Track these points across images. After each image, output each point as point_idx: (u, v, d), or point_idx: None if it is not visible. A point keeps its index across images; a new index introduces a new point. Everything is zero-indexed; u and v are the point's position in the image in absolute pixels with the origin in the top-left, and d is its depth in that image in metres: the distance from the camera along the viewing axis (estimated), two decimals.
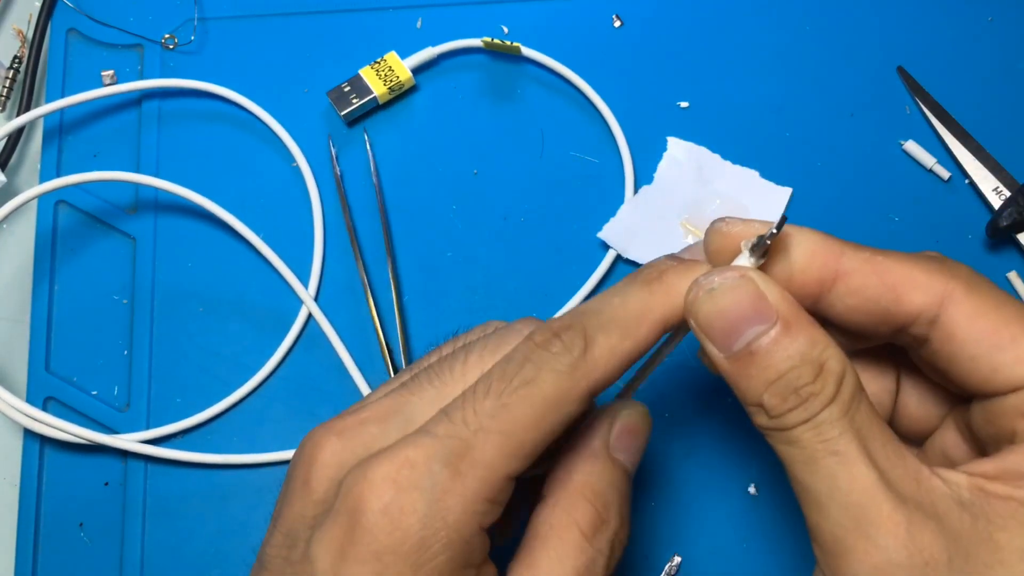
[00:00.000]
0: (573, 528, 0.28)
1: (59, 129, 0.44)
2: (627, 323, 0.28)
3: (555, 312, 0.41)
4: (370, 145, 0.43)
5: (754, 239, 0.28)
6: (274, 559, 0.28)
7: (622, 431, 0.30)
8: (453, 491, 0.26)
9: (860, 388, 0.27)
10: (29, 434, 0.40)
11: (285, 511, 0.28)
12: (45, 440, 0.40)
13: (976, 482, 0.26)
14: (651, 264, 0.30)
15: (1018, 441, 0.27)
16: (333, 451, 0.28)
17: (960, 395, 0.30)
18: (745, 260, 0.28)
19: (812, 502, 0.27)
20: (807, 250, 0.28)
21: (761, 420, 0.27)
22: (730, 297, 0.27)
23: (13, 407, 0.40)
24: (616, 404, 0.30)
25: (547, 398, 0.27)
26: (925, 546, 0.25)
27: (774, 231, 0.27)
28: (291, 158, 0.43)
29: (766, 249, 0.27)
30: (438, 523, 0.26)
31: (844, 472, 0.26)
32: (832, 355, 0.26)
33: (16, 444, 0.41)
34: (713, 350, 0.27)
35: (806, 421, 0.26)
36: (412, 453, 0.26)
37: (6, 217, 0.40)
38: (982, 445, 0.29)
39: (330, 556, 0.26)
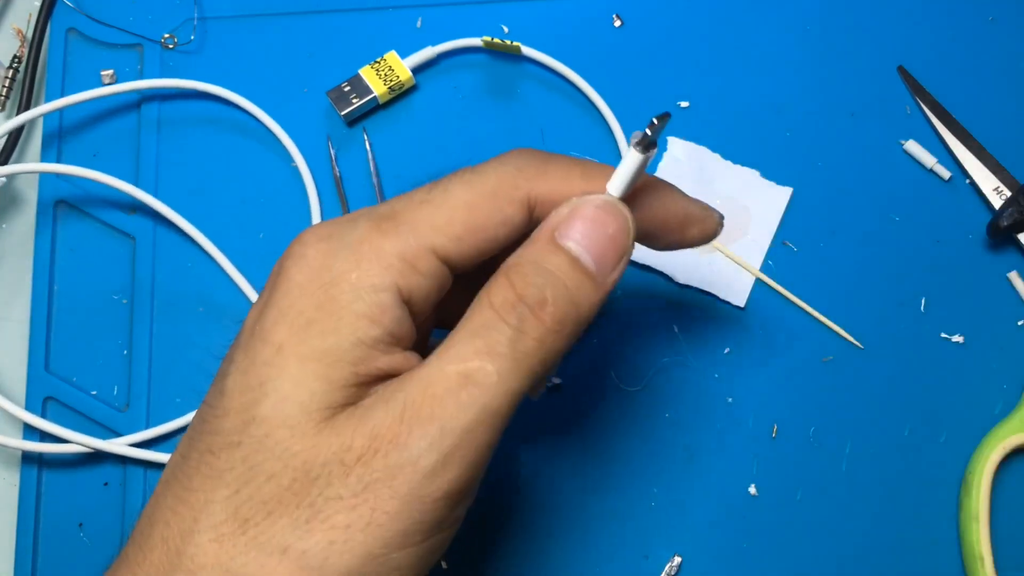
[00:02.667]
0: (485, 303, 0.26)
1: (59, 130, 0.44)
2: (588, 171, 0.28)
3: None
4: (370, 145, 0.43)
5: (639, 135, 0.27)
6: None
7: (572, 216, 0.27)
8: (370, 241, 0.26)
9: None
10: (29, 435, 0.40)
11: None
12: (45, 437, 0.40)
13: None
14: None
15: None
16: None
17: None
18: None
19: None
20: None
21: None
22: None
23: (10, 414, 0.40)
24: (579, 198, 0.28)
25: (487, 188, 0.27)
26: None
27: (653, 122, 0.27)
28: (290, 158, 0.43)
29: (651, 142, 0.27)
30: (349, 265, 0.26)
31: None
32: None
33: (17, 443, 0.41)
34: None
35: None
36: (344, 216, 0.27)
37: (4, 208, 0.40)
38: None
39: (253, 314, 0.27)
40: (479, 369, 0.25)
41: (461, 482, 0.25)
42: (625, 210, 0.28)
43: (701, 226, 0.30)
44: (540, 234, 0.27)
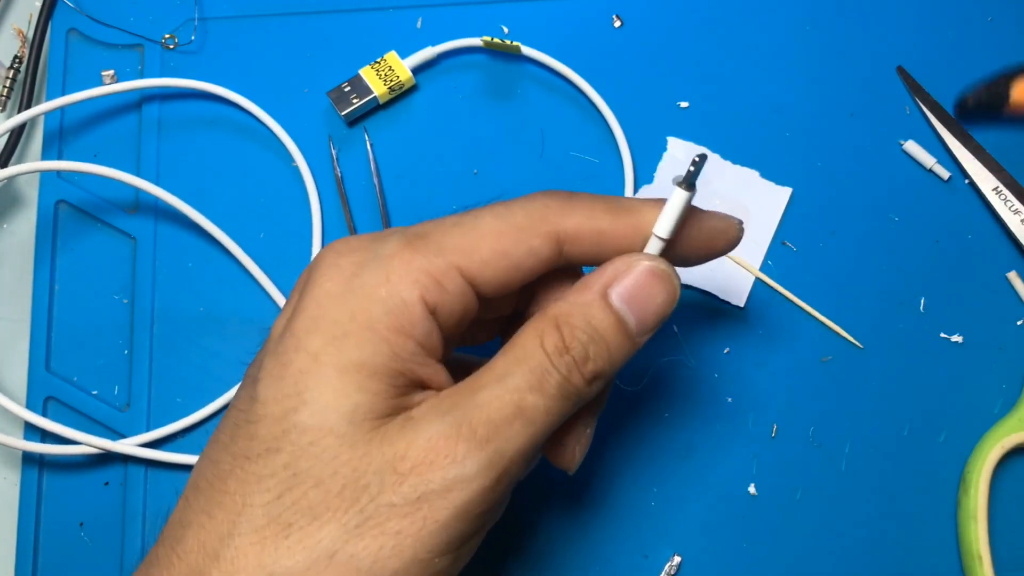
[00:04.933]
0: (535, 339, 0.28)
1: (59, 130, 0.44)
2: (615, 207, 0.29)
3: None
4: (371, 145, 0.43)
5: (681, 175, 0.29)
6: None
7: (627, 275, 0.29)
8: (400, 256, 0.27)
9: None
10: (30, 434, 0.40)
11: None
12: (46, 436, 0.40)
13: None
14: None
15: None
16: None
17: None
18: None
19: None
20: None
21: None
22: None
23: (12, 412, 0.40)
24: (636, 254, 0.29)
25: (516, 222, 0.28)
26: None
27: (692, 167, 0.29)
28: (291, 158, 0.43)
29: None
30: (381, 279, 0.27)
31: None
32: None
33: (16, 444, 0.41)
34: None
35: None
36: (376, 232, 0.29)
37: (4, 211, 0.40)
38: None
39: (283, 321, 0.28)
40: (533, 405, 0.27)
41: (502, 499, 0.28)
42: (676, 280, 0.29)
43: (725, 236, 0.31)
44: (595, 285, 0.29)
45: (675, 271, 0.29)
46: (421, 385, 0.28)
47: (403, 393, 0.27)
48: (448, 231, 0.28)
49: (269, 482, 0.26)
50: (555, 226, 0.29)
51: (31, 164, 0.41)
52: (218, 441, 0.28)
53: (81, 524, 0.40)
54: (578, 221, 0.29)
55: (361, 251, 0.28)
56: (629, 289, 0.29)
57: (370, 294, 0.27)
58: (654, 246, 0.29)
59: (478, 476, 0.26)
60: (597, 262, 0.30)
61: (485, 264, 0.28)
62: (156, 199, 0.43)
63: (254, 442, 0.26)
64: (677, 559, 0.38)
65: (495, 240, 0.28)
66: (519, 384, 0.27)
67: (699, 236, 0.31)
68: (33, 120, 0.44)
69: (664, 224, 0.29)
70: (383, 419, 0.26)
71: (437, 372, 0.28)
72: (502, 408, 0.27)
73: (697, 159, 0.29)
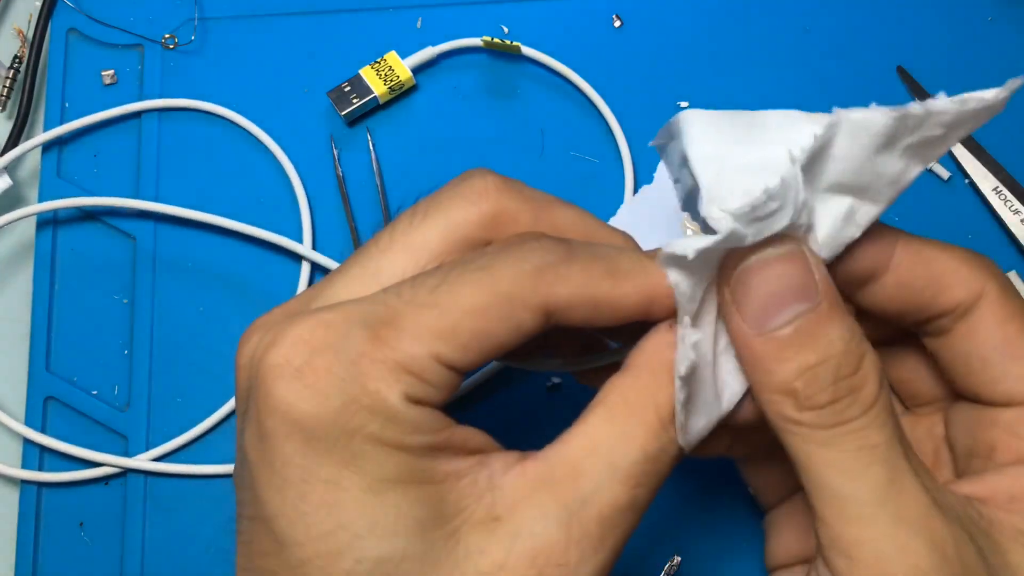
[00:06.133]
0: (649, 407, 0.24)
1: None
2: (614, 267, 0.25)
3: None
4: (373, 145, 0.43)
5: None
6: (234, 472, 0.26)
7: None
8: (371, 355, 0.23)
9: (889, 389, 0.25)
10: (29, 442, 0.40)
11: None
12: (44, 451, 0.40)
13: (971, 503, 0.25)
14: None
15: (997, 459, 0.26)
16: (255, 340, 0.25)
17: (951, 395, 0.29)
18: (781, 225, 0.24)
19: (849, 513, 0.24)
20: (868, 238, 0.26)
21: (787, 411, 0.24)
22: (778, 269, 0.24)
23: (13, 431, 0.40)
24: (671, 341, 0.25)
25: (499, 290, 0.24)
26: (969, 565, 0.23)
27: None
28: (291, 165, 0.43)
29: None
30: (357, 388, 0.23)
31: (894, 485, 0.24)
32: (868, 347, 0.25)
33: (16, 443, 0.41)
34: (741, 326, 0.25)
35: (848, 421, 0.24)
36: (329, 315, 0.23)
37: (3, 227, 0.40)
38: (952, 452, 0.28)
39: (255, 440, 0.24)
40: (645, 492, 0.25)
41: None
42: None
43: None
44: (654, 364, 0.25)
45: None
46: (451, 451, 0.24)
47: (446, 486, 0.24)
48: (419, 313, 0.24)
49: None
50: (546, 297, 0.24)
51: (28, 208, 0.41)
52: None
53: (81, 524, 0.40)
54: (573, 291, 0.24)
55: (323, 352, 0.23)
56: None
57: (355, 409, 0.23)
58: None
59: None
60: (593, 328, 0.26)
61: (465, 349, 0.24)
62: (155, 199, 0.43)
63: None
64: (677, 559, 0.38)
65: (475, 322, 0.24)
66: (634, 470, 0.24)
67: None
68: (33, 120, 0.44)
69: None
70: (450, 524, 0.23)
71: (467, 438, 0.25)
72: (616, 504, 0.23)
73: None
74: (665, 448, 0.24)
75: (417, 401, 0.23)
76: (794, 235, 0.24)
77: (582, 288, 0.25)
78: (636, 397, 0.24)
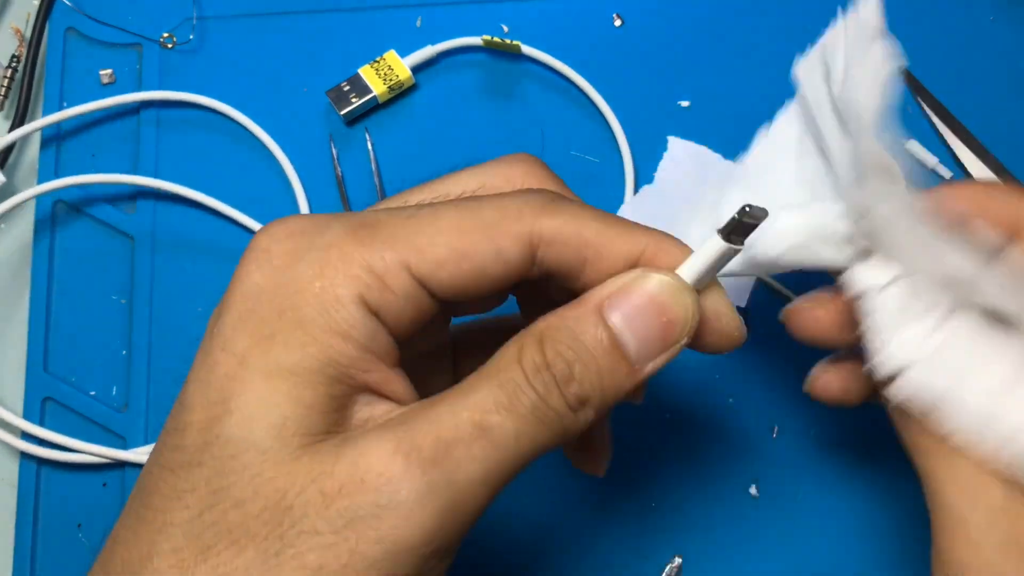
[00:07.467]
0: (513, 355, 0.24)
1: (57, 131, 0.44)
2: (608, 217, 0.25)
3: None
4: (372, 144, 0.43)
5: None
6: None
7: (630, 289, 0.24)
8: (340, 247, 0.24)
9: None
10: (28, 435, 0.40)
11: None
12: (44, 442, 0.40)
13: None
14: None
15: None
16: None
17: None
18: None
19: (961, 532, 0.24)
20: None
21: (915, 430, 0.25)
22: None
23: (10, 424, 0.40)
24: (648, 268, 0.25)
25: (483, 216, 0.24)
26: None
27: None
28: (290, 163, 0.43)
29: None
30: (313, 271, 0.23)
31: (1010, 507, 0.24)
32: None
33: (15, 444, 0.41)
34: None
35: None
36: (321, 215, 0.25)
37: (2, 216, 0.40)
38: None
39: (215, 313, 0.24)
40: (499, 425, 0.23)
41: (453, 538, 0.23)
42: (692, 301, 0.25)
43: (729, 335, 0.27)
44: (589, 299, 0.24)
45: (694, 295, 0.25)
46: (370, 395, 0.24)
47: (344, 405, 0.23)
48: (401, 223, 0.24)
49: (189, 498, 0.23)
50: (530, 226, 0.24)
51: (30, 191, 0.41)
52: (153, 449, 0.25)
53: (79, 526, 0.40)
54: (559, 223, 0.24)
55: (298, 236, 0.24)
56: (633, 307, 0.24)
57: (302, 290, 0.23)
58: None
59: (417, 504, 0.22)
60: (578, 280, 0.25)
61: (440, 264, 0.24)
62: (154, 199, 0.43)
63: (177, 453, 0.23)
64: (678, 560, 0.38)
65: (455, 237, 0.24)
66: (484, 400, 0.23)
67: (717, 325, 0.26)
68: (31, 120, 0.44)
69: (689, 269, 0.24)
70: (318, 436, 0.23)
71: (389, 379, 0.24)
72: (458, 426, 0.22)
73: (748, 210, 0.23)
74: (520, 385, 0.23)
75: (371, 310, 0.24)
76: None
77: (570, 224, 0.24)
78: (504, 350, 0.24)
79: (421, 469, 0.22)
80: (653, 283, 0.24)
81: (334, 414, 0.23)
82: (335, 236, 0.24)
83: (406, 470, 0.22)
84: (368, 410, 0.24)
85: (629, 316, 0.24)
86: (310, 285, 0.23)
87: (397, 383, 0.24)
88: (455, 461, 0.22)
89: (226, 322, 0.24)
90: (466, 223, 0.24)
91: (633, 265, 0.25)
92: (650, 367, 0.24)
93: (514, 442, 0.23)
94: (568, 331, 0.24)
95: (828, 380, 0.30)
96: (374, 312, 0.24)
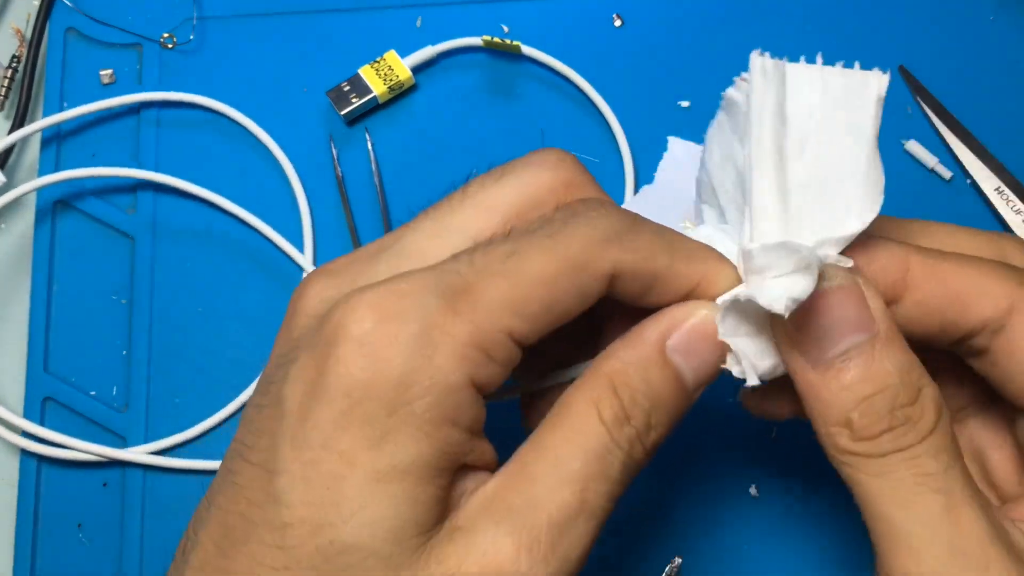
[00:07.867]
0: (591, 410, 0.24)
1: (57, 131, 0.44)
2: (675, 245, 0.25)
3: None
4: (372, 145, 0.43)
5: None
6: (247, 411, 0.25)
7: (691, 331, 0.25)
8: (443, 328, 0.23)
9: (950, 419, 0.24)
10: (28, 434, 0.40)
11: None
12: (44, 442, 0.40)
13: None
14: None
15: None
16: (318, 289, 0.25)
17: (979, 403, 0.28)
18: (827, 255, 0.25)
19: (902, 544, 0.24)
20: (878, 261, 0.26)
21: (842, 442, 0.25)
22: (833, 300, 0.24)
23: (11, 424, 0.40)
24: (697, 302, 0.26)
25: (569, 257, 0.24)
26: None
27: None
28: (290, 163, 0.43)
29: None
30: (421, 361, 0.22)
31: (950, 515, 0.23)
32: (928, 380, 0.24)
33: (15, 444, 0.41)
34: (797, 359, 0.25)
35: (903, 450, 0.24)
36: (405, 283, 0.23)
37: (2, 214, 0.40)
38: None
39: (298, 395, 0.23)
40: (595, 495, 0.23)
41: None
42: None
43: None
44: (649, 336, 0.25)
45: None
46: (464, 468, 0.24)
47: (450, 490, 0.24)
48: (493, 282, 0.23)
49: None
50: (611, 263, 0.24)
51: (30, 184, 0.41)
52: (227, 534, 0.23)
53: (79, 525, 0.40)
54: (637, 260, 0.25)
55: (393, 320, 0.23)
56: (687, 340, 0.25)
57: (412, 383, 0.22)
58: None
59: None
60: (638, 304, 0.26)
61: (534, 320, 0.24)
62: (154, 199, 0.43)
63: (281, 553, 0.22)
64: (678, 560, 0.38)
65: (546, 290, 0.23)
66: (579, 472, 0.23)
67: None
68: (31, 120, 0.44)
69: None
70: (430, 529, 0.23)
71: (484, 451, 0.24)
72: (563, 505, 0.23)
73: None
74: (609, 448, 0.24)
75: (479, 388, 0.23)
76: (848, 267, 0.25)
77: (646, 260, 0.25)
78: (578, 401, 0.24)
79: (544, 562, 0.23)
80: (708, 317, 0.25)
81: (443, 504, 0.23)
82: (433, 313, 0.23)
83: (531, 567, 0.22)
84: (462, 484, 0.24)
85: (686, 351, 0.25)
86: (420, 379, 0.23)
87: (487, 451, 0.25)
88: (569, 543, 0.23)
89: (324, 416, 0.23)
90: (552, 267, 0.24)
91: (691, 291, 0.26)
92: (700, 392, 0.26)
93: (607, 504, 0.24)
94: (640, 378, 0.25)
95: (755, 397, 0.31)
96: (479, 389, 0.24)
